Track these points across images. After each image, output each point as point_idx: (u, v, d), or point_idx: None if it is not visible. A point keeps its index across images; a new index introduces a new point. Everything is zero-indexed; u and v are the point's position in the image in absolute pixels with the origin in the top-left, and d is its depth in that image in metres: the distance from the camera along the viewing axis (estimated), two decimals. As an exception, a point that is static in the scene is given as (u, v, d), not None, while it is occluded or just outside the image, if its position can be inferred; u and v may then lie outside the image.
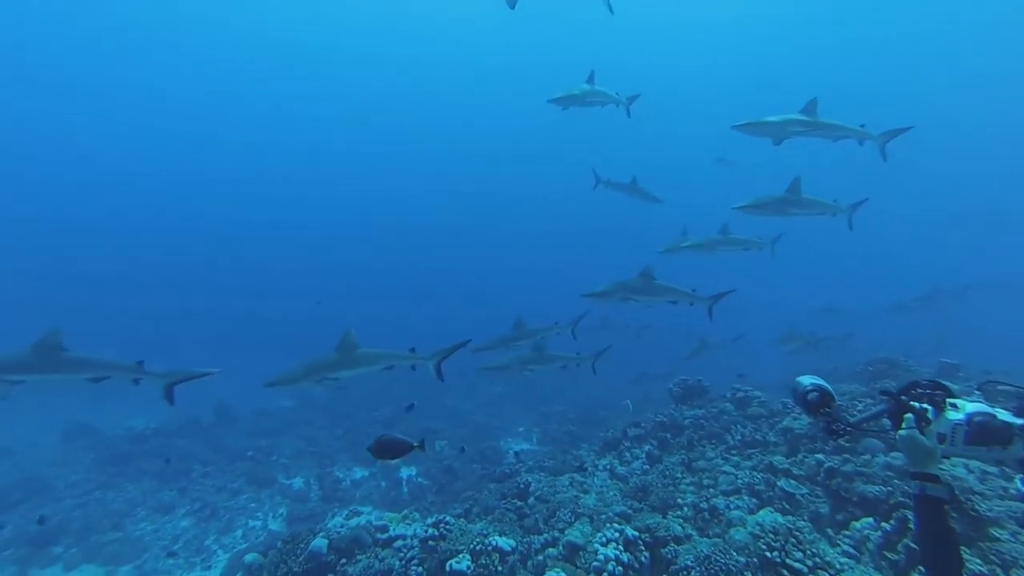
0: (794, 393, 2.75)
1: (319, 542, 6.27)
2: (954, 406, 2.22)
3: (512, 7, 8.85)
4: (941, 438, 2.18)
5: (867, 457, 5.99)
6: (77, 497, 12.36)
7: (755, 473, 7.12)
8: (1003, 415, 2.15)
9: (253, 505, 12.66)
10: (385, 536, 6.49)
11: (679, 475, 7.72)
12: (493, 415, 18.39)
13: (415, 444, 4.89)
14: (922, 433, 2.18)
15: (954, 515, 4.46)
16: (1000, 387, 2.79)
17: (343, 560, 6.07)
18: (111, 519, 11.42)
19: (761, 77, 47.73)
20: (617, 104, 11.38)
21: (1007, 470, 4.57)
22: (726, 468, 7.55)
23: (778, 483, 6.67)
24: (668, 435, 9.36)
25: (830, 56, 48.49)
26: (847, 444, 6.22)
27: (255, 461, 14.62)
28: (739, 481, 7.08)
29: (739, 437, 8.44)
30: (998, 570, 3.99)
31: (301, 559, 6.15)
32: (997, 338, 20.89)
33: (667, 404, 10.83)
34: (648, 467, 8.68)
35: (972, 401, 2.26)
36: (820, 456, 6.54)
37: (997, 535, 4.27)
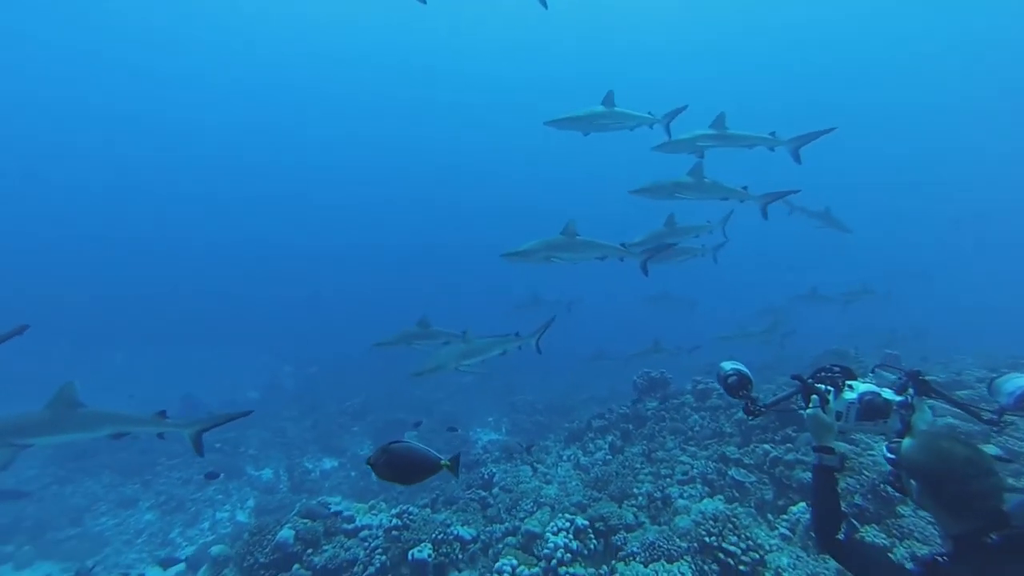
0: (717, 376, 3.06)
1: (286, 532, 6.38)
2: (850, 387, 2.55)
3: (546, 7, 8.83)
4: (839, 415, 2.52)
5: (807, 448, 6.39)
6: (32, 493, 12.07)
7: (709, 463, 7.49)
8: (887, 393, 2.49)
9: (220, 497, 12.62)
10: (351, 527, 6.64)
11: (638, 465, 8.05)
12: (462, 405, 18.54)
13: (443, 461, 3.19)
14: (824, 411, 2.50)
15: (869, 496, 4.89)
16: (888, 369, 3.09)
17: (309, 550, 6.20)
18: (69, 515, 11.19)
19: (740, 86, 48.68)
20: (651, 125, 9.32)
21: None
22: (683, 458, 7.90)
23: (729, 472, 7.04)
24: (631, 426, 9.70)
25: (813, 70, 49.48)
26: (783, 429, 6.64)
27: (223, 452, 14.51)
28: (694, 471, 7.44)
29: (697, 428, 8.82)
30: (896, 541, 4.56)
31: (268, 550, 6.26)
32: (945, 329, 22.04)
33: (629, 392, 11.22)
34: (610, 457, 9.00)
35: (866, 382, 2.60)
36: (767, 446, 6.91)
37: (902, 512, 4.77)
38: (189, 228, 53.56)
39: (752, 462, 7.14)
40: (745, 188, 9.22)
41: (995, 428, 2.80)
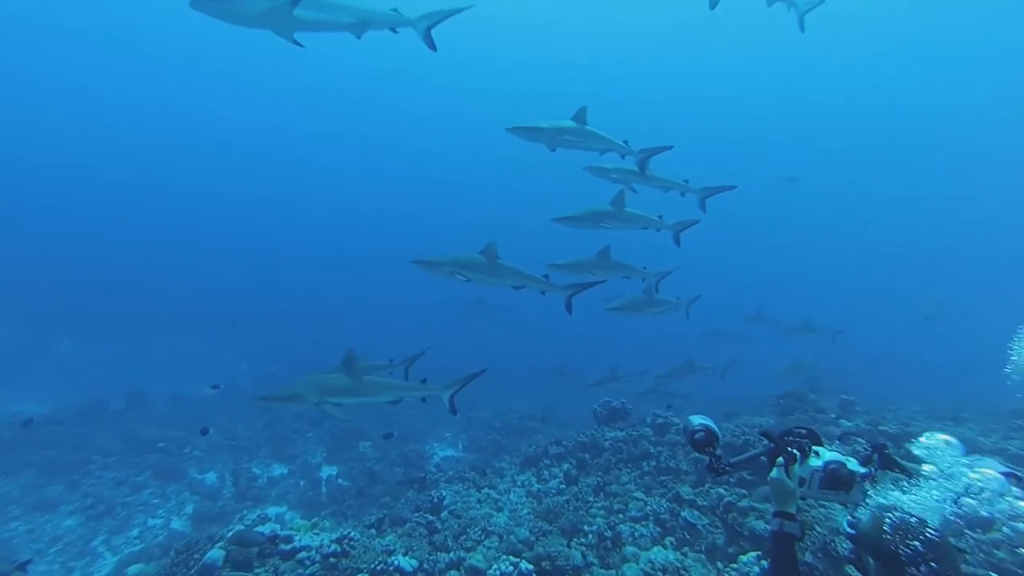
0: (684, 430, 2.98)
1: (215, 553, 5.99)
2: (816, 453, 2.48)
3: (713, 8, 8.77)
4: (802, 481, 2.44)
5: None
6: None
7: (663, 501, 7.40)
8: (852, 464, 2.42)
9: (156, 501, 11.97)
10: (289, 547, 6.28)
11: (591, 498, 7.91)
12: (420, 417, 18.13)
13: None
14: (788, 476, 2.43)
15: (819, 555, 4.83)
16: (855, 439, 3.04)
17: (238, 575, 5.83)
18: (-29, 519, 10.32)
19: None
20: (623, 155, 8.82)
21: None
22: (637, 494, 7.79)
23: (682, 513, 6.96)
24: (587, 456, 9.56)
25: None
26: (734, 481, 6.60)
27: (166, 452, 13.83)
28: (648, 508, 7.33)
29: (654, 463, 8.74)
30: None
31: (192, 572, 5.86)
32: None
33: (589, 419, 11.13)
34: (564, 487, 8.84)
35: (831, 450, 2.53)
36: (722, 490, 6.86)
37: (851, 572, 4.68)
38: (153, 213, 51.80)
39: (706, 504, 7.09)
40: (660, 217, 9.37)
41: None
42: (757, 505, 6.09)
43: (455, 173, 59.38)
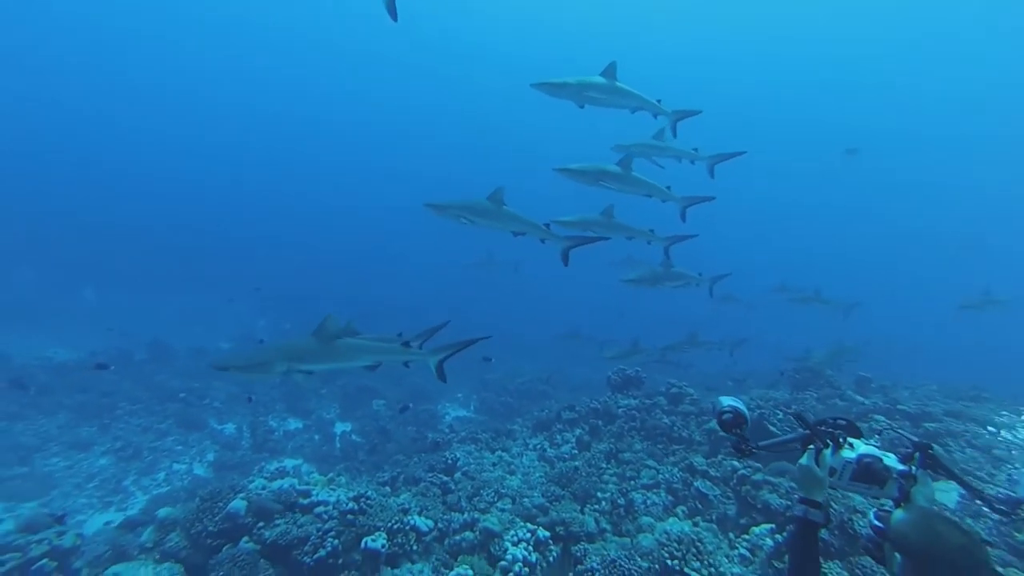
0: (712, 410, 2.96)
1: (238, 503, 6.19)
2: (851, 445, 2.43)
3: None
4: (832, 471, 2.40)
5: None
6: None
7: (675, 470, 7.46)
8: (889, 459, 2.36)
9: (180, 448, 12.39)
10: (307, 501, 6.47)
11: (604, 465, 7.99)
12: (432, 377, 18.38)
13: None
14: (818, 464, 2.39)
15: (835, 532, 4.85)
16: (896, 435, 3.00)
17: (260, 523, 6.03)
18: (17, 453, 10.85)
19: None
20: (655, 114, 8.75)
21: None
22: (650, 462, 7.86)
23: (695, 483, 7.01)
24: (600, 422, 9.63)
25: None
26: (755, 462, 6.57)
27: (186, 403, 14.25)
28: (660, 476, 7.40)
29: (667, 432, 8.79)
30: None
31: (218, 519, 6.06)
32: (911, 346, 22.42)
33: (602, 384, 11.16)
34: (576, 452, 8.95)
35: (868, 443, 2.47)
36: (736, 463, 6.88)
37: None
38: (175, 166, 52.01)
39: (718, 475, 7.13)
40: (668, 188, 9.18)
41: (1007, 519, 2.66)
42: (771, 479, 6.10)
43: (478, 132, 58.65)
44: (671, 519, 5.94)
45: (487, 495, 7.03)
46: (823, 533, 4.96)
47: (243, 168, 56.07)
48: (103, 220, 41.59)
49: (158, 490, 10.74)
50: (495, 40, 54.58)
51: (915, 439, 2.47)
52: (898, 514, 2.13)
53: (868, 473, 2.34)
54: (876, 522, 2.33)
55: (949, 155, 51.42)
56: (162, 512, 6.54)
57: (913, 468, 2.32)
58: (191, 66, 53.24)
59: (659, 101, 8.60)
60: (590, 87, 7.93)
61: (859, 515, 4.85)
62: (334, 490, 6.79)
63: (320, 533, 5.54)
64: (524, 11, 50.48)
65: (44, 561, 5.68)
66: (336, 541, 5.42)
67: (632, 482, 7.42)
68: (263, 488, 6.59)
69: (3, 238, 32.21)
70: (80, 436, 11.88)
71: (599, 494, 6.82)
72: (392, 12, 6.05)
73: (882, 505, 2.34)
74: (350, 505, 5.81)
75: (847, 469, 2.37)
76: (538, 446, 9.47)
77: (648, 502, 6.77)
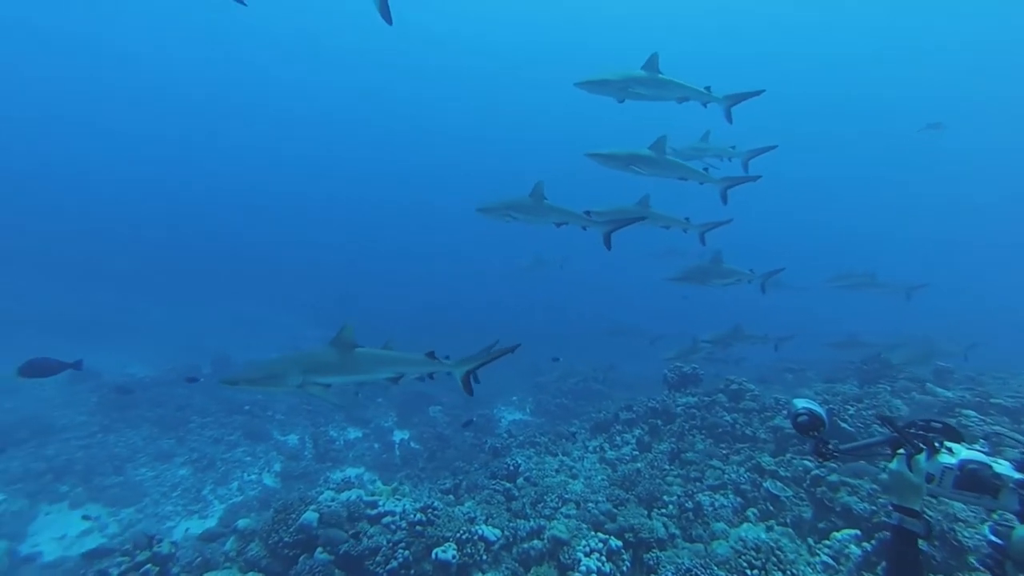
0: (788, 413, 2.86)
1: (310, 515, 6.39)
2: (949, 450, 2.26)
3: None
4: (930, 478, 2.24)
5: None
6: (81, 439, 12.62)
7: (742, 471, 7.21)
8: (1001, 467, 2.15)
9: (249, 459, 12.96)
10: (374, 512, 6.62)
11: (667, 466, 7.83)
12: (487, 380, 18.42)
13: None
14: (910, 469, 2.25)
15: (936, 543, 4.51)
16: (1007, 439, 2.81)
17: (333, 534, 6.20)
18: (113, 463, 11.75)
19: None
20: (705, 103, 8.48)
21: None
22: (714, 462, 7.64)
23: (764, 484, 6.76)
24: (659, 422, 9.44)
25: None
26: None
27: (251, 415, 14.88)
28: (726, 477, 7.18)
29: (729, 430, 8.52)
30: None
31: (292, 530, 6.28)
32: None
33: (657, 385, 10.93)
34: (637, 453, 8.81)
35: (970, 448, 2.28)
36: (807, 462, 6.59)
37: (976, 564, 4.33)
38: (228, 181, 54.62)
39: (788, 475, 6.84)
40: (706, 170, 8.94)
41: None
42: (849, 480, 5.80)
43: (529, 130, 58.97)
44: (744, 524, 5.73)
45: (551, 501, 7.01)
46: (922, 544, 4.69)
47: (297, 177, 58.29)
48: (153, 235, 43.87)
49: (233, 499, 11.31)
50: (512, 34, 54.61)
51: None
52: (1021, 531, 1.97)
53: (975, 481, 2.15)
54: (994, 538, 2.17)
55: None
56: (241, 523, 6.84)
57: None
58: (219, 74, 55.62)
59: (708, 88, 8.29)
60: (634, 82, 7.80)
61: (962, 524, 4.49)
62: (399, 500, 6.92)
63: (390, 544, 5.66)
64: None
65: (148, 566, 6.10)
66: (407, 552, 5.52)
67: (697, 483, 7.23)
68: (332, 500, 6.79)
69: (77, 258, 34.59)
70: (161, 448, 12.65)
71: (665, 497, 6.67)
72: (386, 15, 5.98)
73: (1000, 518, 2.16)
74: (417, 516, 5.91)
75: (948, 476, 2.20)
76: (598, 448, 9.38)
77: (716, 504, 6.57)
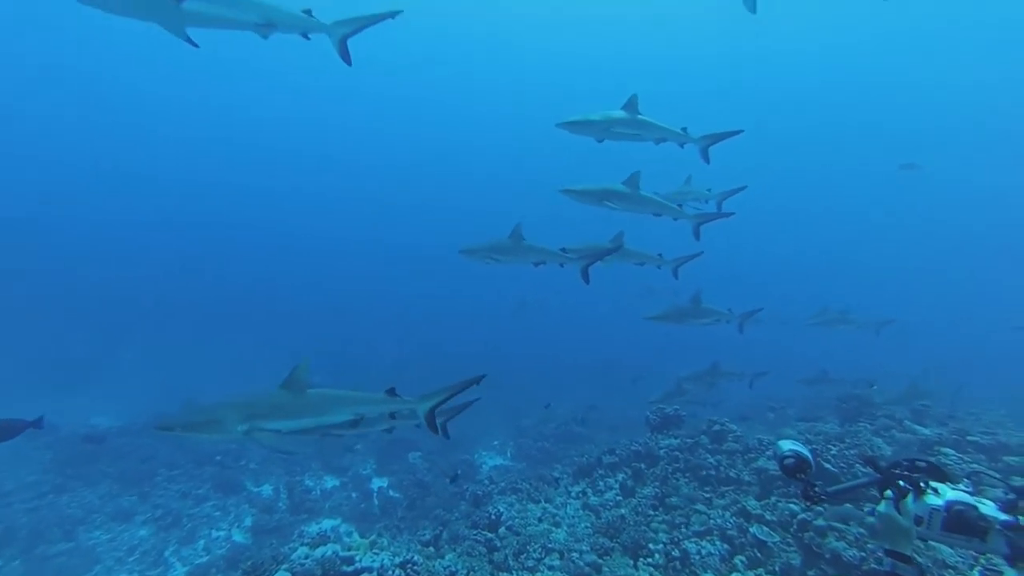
0: (774, 455, 2.83)
1: (282, 575, 6.08)
2: (935, 491, 2.24)
3: (752, 11, 8.18)
4: (919, 520, 2.21)
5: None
6: (28, 501, 11.75)
7: (727, 515, 7.11)
8: (986, 507, 2.14)
9: (218, 514, 12.32)
10: (351, 569, 6.32)
11: (651, 512, 7.68)
12: (468, 424, 18.07)
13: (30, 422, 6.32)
14: (898, 512, 2.23)
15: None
16: (987, 478, 2.79)
17: (305, 595, 5.89)
18: (63, 527, 10.90)
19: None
20: (682, 144, 8.68)
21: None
22: (699, 507, 7.53)
23: (751, 529, 6.66)
24: (642, 465, 9.31)
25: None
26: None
27: (222, 466, 14.24)
28: (711, 522, 7.06)
29: (713, 473, 8.44)
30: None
31: (262, 592, 5.95)
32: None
33: (643, 431, 10.84)
34: (621, 498, 8.63)
35: (955, 488, 2.27)
36: (793, 506, 6.53)
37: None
38: (207, 216, 54.12)
39: (775, 519, 6.76)
40: (680, 206, 9.12)
41: None
42: (836, 524, 5.74)
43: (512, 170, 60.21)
44: (733, 574, 5.59)
45: (534, 551, 6.79)
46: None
47: (282, 210, 58.09)
48: (125, 273, 42.64)
49: (198, 559, 10.65)
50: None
51: (1017, 484, 2.27)
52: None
53: (962, 523, 2.13)
54: None
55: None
56: (206, 587, 6.46)
57: (1021, 519, 2.11)
58: (211, 111, 55.91)
59: (684, 129, 8.54)
60: (616, 123, 8.03)
61: (951, 571, 4.43)
62: (378, 554, 6.62)
63: (367, 604, 5.37)
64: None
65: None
66: (384, 612, 5.24)
67: (683, 529, 7.09)
68: (306, 557, 6.46)
69: (41, 297, 33.38)
70: (121, 506, 11.90)
71: (650, 545, 6.53)
72: (345, 57, 6.48)
73: (989, 562, 2.14)
74: (396, 573, 5.65)
75: (935, 517, 2.17)
76: (581, 493, 9.18)
77: (703, 552, 6.44)
